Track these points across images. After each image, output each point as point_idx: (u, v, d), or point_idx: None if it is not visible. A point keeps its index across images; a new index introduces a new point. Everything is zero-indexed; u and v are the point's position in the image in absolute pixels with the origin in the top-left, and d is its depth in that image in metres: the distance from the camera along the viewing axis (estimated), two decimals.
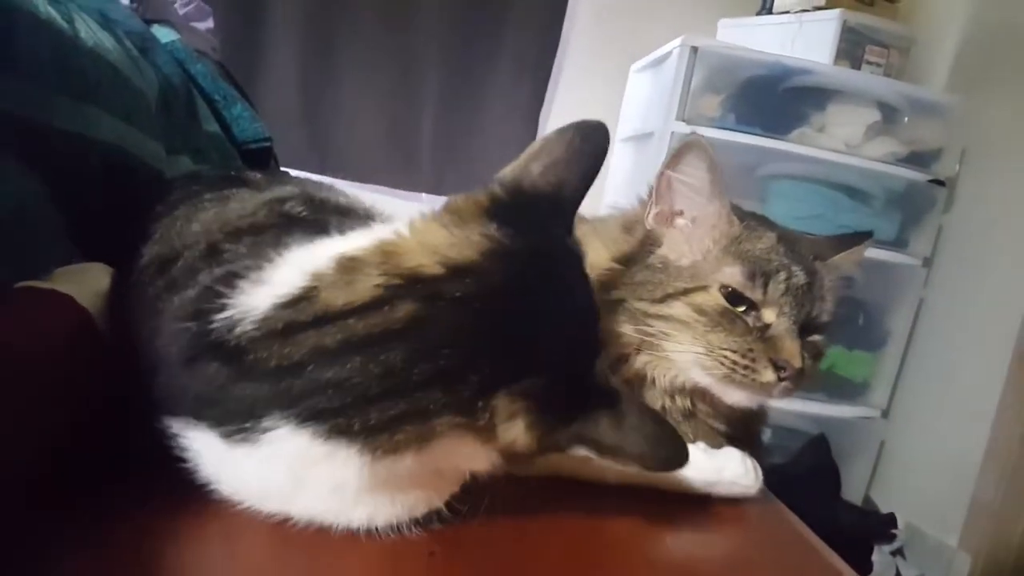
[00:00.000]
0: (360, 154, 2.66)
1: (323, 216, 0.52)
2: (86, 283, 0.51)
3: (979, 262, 1.93)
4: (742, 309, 0.62)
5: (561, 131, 0.50)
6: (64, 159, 0.56)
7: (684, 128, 1.94)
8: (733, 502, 0.63)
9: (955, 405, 1.92)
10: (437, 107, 2.66)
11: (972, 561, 1.74)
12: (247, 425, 0.41)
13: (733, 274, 0.62)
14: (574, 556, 0.52)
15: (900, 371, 2.10)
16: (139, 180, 0.67)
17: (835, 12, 2.07)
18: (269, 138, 1.15)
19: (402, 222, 0.46)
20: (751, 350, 0.60)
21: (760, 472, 0.64)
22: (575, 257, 0.48)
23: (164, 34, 0.99)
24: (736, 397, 0.62)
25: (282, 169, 1.22)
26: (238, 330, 0.41)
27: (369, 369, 0.40)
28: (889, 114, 2.03)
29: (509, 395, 0.41)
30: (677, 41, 1.97)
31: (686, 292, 0.62)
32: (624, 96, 2.51)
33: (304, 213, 0.53)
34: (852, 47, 2.10)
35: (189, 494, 0.45)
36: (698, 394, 0.65)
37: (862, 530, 1.91)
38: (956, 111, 2.00)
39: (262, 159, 1.13)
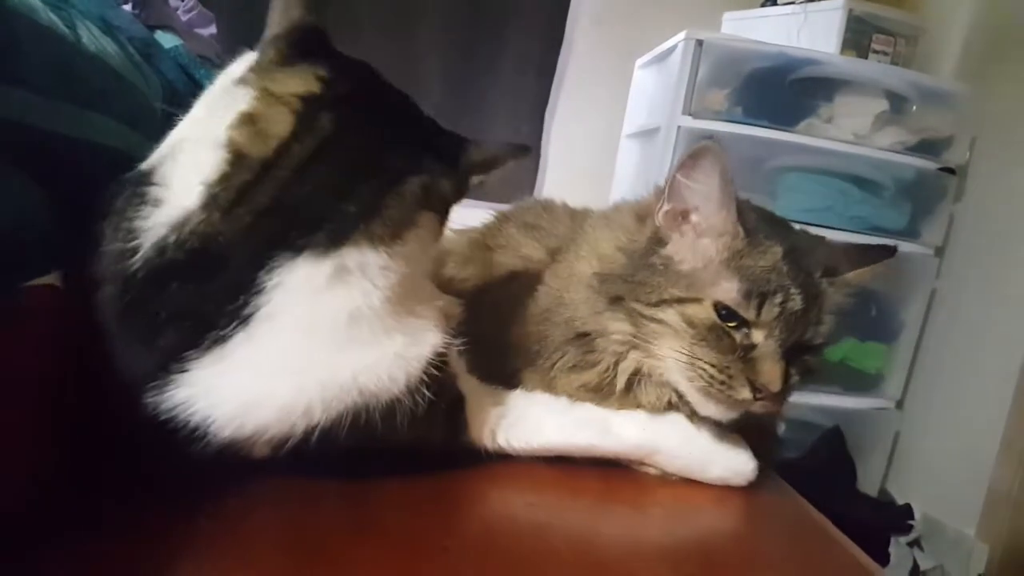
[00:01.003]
0: None
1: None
2: None
3: (992, 250, 1.91)
4: (734, 324, 0.61)
5: None
6: (67, 165, 0.56)
7: (691, 122, 1.93)
8: (749, 492, 0.63)
9: (970, 394, 1.90)
10: (441, 106, 2.64)
11: (990, 551, 1.73)
12: (240, 302, 0.44)
13: (729, 290, 0.61)
14: (588, 549, 0.52)
15: (914, 362, 2.08)
16: None
17: (841, 1, 2.05)
18: None
19: (237, 93, 0.51)
20: (729, 367, 0.60)
21: (757, 463, 0.64)
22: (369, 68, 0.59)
23: (167, 40, 0.99)
24: (710, 410, 0.62)
25: None
26: (175, 237, 0.44)
27: (334, 171, 0.46)
28: (897, 103, 2.01)
29: (431, 151, 0.51)
30: (681, 35, 1.96)
31: (680, 301, 0.62)
32: (629, 91, 2.50)
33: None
34: (859, 36, 2.08)
35: (200, 496, 0.45)
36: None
37: (878, 522, 1.90)
38: (965, 99, 1.98)
39: None
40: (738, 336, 0.61)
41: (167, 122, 0.56)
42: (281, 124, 0.48)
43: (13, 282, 0.46)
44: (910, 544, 1.89)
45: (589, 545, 0.53)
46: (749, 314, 0.60)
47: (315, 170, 0.46)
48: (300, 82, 0.50)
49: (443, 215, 0.56)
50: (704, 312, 0.61)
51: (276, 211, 0.45)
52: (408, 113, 0.56)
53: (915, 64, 2.17)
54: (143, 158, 0.68)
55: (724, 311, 0.61)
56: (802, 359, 0.63)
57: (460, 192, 0.56)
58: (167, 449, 0.45)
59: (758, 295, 0.60)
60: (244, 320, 0.44)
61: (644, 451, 0.62)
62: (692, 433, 0.63)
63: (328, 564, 0.44)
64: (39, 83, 0.53)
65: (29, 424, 0.43)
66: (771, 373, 0.59)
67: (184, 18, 1.29)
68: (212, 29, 1.42)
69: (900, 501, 2.03)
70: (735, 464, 0.63)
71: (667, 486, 0.62)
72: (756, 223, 0.65)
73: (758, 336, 0.60)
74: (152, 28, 0.98)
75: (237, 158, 0.46)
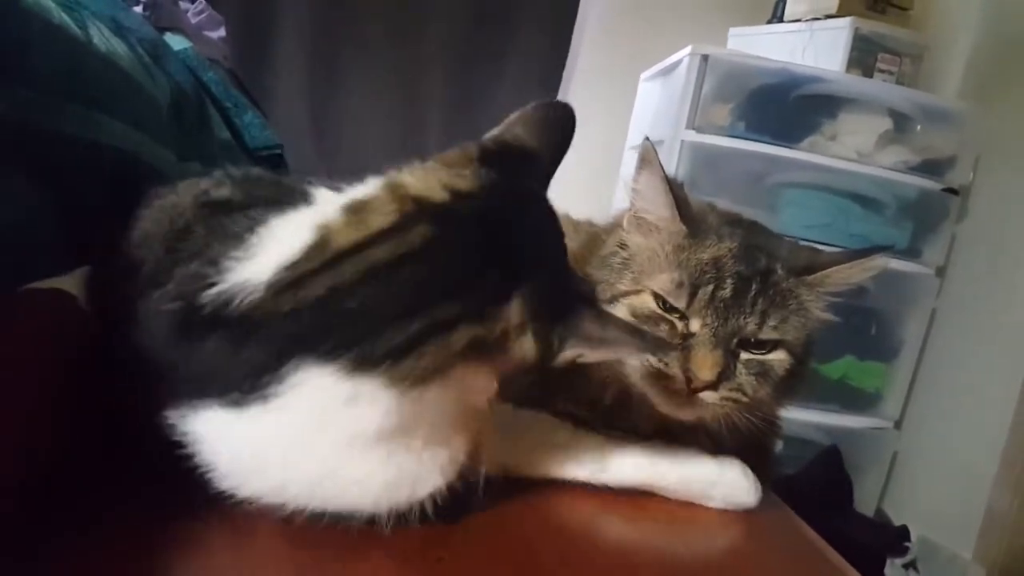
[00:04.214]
0: (369, 162, 2.65)
1: (260, 190, 0.54)
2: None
3: (993, 271, 1.91)
4: (676, 315, 0.62)
5: (537, 106, 0.56)
6: (74, 165, 0.56)
7: (694, 137, 1.94)
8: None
9: (969, 415, 1.90)
10: (446, 116, 2.66)
11: (987, 574, 1.72)
12: (263, 380, 0.42)
13: (664, 281, 0.62)
14: (581, 563, 0.52)
15: (913, 381, 2.08)
16: (150, 186, 0.67)
17: (846, 20, 2.06)
18: (280, 145, 1.15)
19: (397, 172, 0.49)
20: (667, 355, 0.60)
21: (760, 487, 0.64)
22: (545, 199, 0.53)
23: (177, 42, 1.00)
24: (664, 406, 0.62)
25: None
26: (238, 301, 0.42)
27: (387, 292, 0.42)
28: (901, 122, 2.02)
29: (519, 302, 0.44)
30: (687, 49, 1.97)
31: (625, 295, 0.64)
32: (634, 105, 2.51)
33: (229, 194, 0.54)
34: (864, 55, 2.09)
35: (194, 499, 0.45)
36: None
37: (874, 542, 1.89)
38: (969, 119, 1.99)
39: (273, 167, 1.13)
40: (679, 326, 0.62)
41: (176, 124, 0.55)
42: (382, 218, 0.44)
43: (15, 283, 0.46)
44: (906, 566, 1.88)
45: (583, 558, 0.53)
46: (680, 302, 0.61)
47: (371, 283, 0.42)
48: (431, 183, 0.46)
49: (502, 368, 0.47)
50: (642, 302, 0.63)
51: (314, 313, 0.42)
52: (525, 259, 0.47)
53: (919, 83, 2.18)
54: (149, 159, 0.69)
55: (664, 302, 0.62)
56: (754, 358, 0.62)
57: (543, 358, 0.46)
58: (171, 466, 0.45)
59: (691, 284, 0.61)
60: (263, 397, 0.43)
61: (642, 487, 0.62)
62: (690, 468, 0.62)
63: (323, 574, 0.44)
64: (47, 83, 0.53)
65: (27, 425, 0.43)
66: (700, 360, 0.59)
67: (194, 20, 1.30)
68: (222, 32, 1.43)
69: (897, 522, 2.02)
70: (735, 497, 0.62)
71: (662, 501, 0.62)
72: (712, 223, 0.66)
73: (695, 325, 0.61)
74: (162, 30, 0.99)
75: (318, 245, 0.43)
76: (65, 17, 0.57)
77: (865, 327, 2.05)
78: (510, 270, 0.45)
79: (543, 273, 0.47)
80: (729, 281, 0.61)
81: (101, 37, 0.63)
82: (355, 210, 0.45)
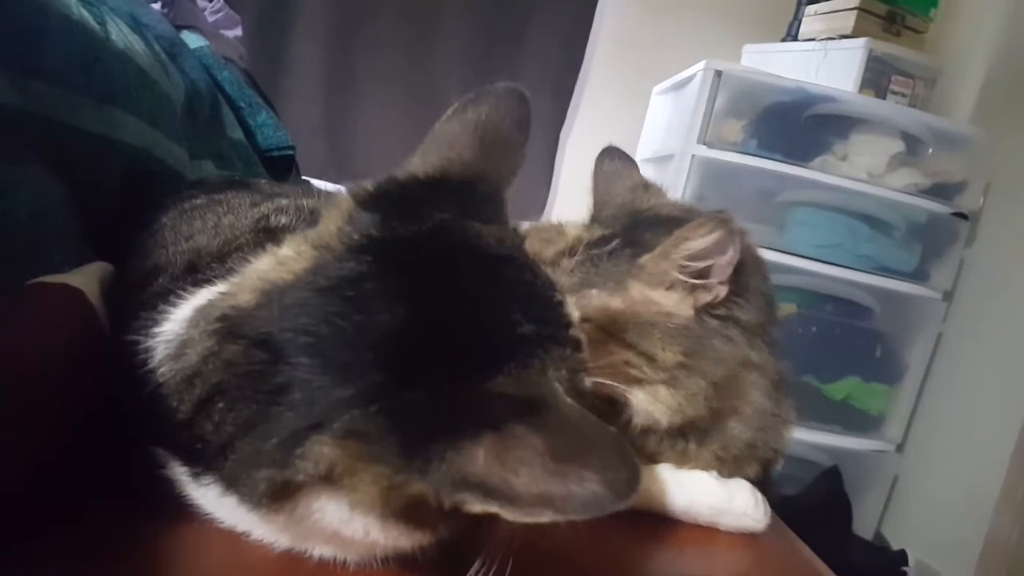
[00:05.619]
0: (381, 166, 2.66)
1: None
2: (96, 280, 0.51)
3: (1000, 297, 1.90)
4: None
5: (458, 108, 0.48)
6: (87, 161, 0.56)
7: (705, 152, 1.94)
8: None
9: (971, 441, 1.89)
10: None
11: None
12: (196, 469, 0.41)
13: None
14: None
15: (916, 405, 2.07)
16: (162, 183, 0.67)
17: (861, 41, 2.06)
18: (292, 146, 1.15)
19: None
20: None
21: (768, 508, 0.63)
22: (462, 240, 0.40)
23: (193, 40, 1.01)
24: None
25: (303, 179, 1.23)
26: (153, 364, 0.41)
27: (211, 423, 0.37)
28: (913, 145, 2.02)
29: (332, 436, 0.34)
30: (701, 64, 1.98)
31: None
32: (646, 118, 2.52)
33: (287, 223, 0.53)
34: (877, 76, 2.09)
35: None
36: None
37: (872, 566, 1.88)
38: (980, 144, 1.98)
39: (285, 167, 1.14)
40: None
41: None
42: (199, 347, 0.40)
43: (28, 275, 0.46)
44: None
45: (578, 574, 0.52)
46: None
47: (202, 413, 0.38)
48: (250, 288, 0.39)
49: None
50: None
51: (189, 430, 0.39)
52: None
53: (932, 107, 2.17)
54: (161, 157, 0.69)
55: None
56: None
57: (407, 507, 0.35)
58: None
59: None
60: (201, 485, 0.42)
61: (650, 510, 0.61)
62: (699, 492, 0.62)
63: (323, 572, 0.44)
64: (63, 77, 0.53)
65: (29, 421, 0.43)
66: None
67: (211, 19, 1.31)
68: (238, 31, 1.43)
69: (895, 546, 2.01)
70: (744, 522, 0.62)
71: (664, 522, 0.62)
72: (617, 214, 0.70)
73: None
74: (179, 28, 0.99)
75: (179, 353, 0.41)
76: (84, 12, 0.58)
77: (870, 349, 2.05)
78: (326, 387, 0.34)
79: (413, 379, 0.34)
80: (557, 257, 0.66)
81: (119, 33, 0.63)
82: (198, 318, 0.41)
